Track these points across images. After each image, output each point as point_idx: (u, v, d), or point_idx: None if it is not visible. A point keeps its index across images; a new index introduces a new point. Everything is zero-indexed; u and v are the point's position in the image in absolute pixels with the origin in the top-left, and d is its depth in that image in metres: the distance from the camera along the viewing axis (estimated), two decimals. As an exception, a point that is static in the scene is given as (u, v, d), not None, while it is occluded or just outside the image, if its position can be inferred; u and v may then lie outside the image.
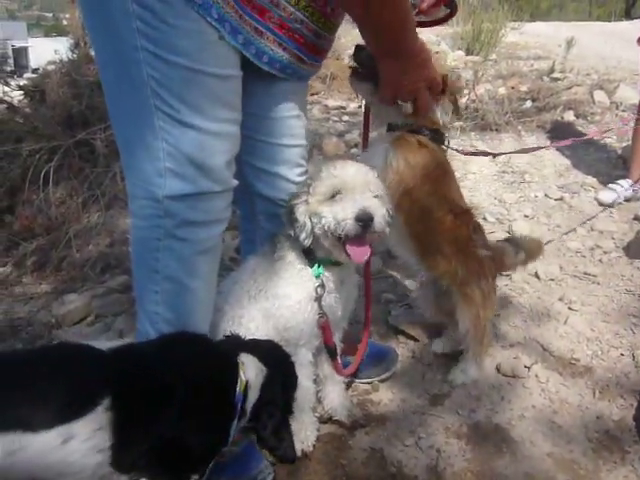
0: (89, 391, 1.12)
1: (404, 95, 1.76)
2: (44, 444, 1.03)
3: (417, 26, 1.71)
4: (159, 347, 1.41)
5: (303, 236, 1.65)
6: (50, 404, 1.06)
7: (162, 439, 1.22)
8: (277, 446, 1.50)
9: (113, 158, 3.79)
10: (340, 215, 1.57)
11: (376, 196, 1.62)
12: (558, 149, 5.02)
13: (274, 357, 1.58)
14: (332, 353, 1.87)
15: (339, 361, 1.91)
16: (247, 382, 1.42)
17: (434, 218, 1.80)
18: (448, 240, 1.96)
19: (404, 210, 1.91)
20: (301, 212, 1.65)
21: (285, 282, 1.73)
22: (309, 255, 1.73)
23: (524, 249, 2.20)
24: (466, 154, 2.35)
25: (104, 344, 1.28)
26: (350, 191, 1.59)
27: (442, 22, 1.97)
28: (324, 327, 1.77)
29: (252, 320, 1.75)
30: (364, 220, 1.55)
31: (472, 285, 2.01)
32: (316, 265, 1.72)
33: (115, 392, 1.14)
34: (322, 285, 1.71)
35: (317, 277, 1.72)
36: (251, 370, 1.45)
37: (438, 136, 1.95)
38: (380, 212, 1.59)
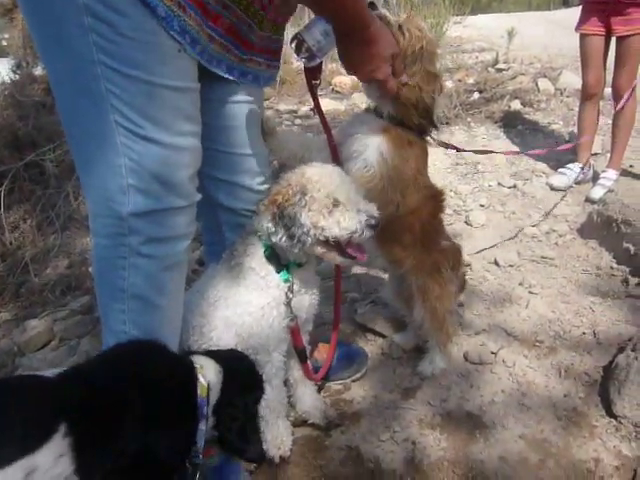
0: (43, 420, 1.10)
1: (360, 76, 1.70)
2: None
3: None
4: (108, 361, 1.37)
5: (309, 241, 1.62)
6: (6, 440, 1.03)
7: (126, 454, 1.20)
8: (243, 448, 1.48)
9: (65, 178, 3.74)
10: (353, 225, 1.61)
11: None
12: (508, 137, 5.15)
13: (231, 359, 1.57)
14: (302, 356, 1.87)
15: (309, 365, 1.91)
16: (209, 384, 1.40)
17: (407, 205, 1.79)
18: (411, 229, 1.94)
19: (381, 200, 1.80)
20: (305, 218, 1.61)
21: (246, 289, 1.71)
22: (273, 260, 1.73)
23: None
24: (442, 146, 2.31)
25: (50, 371, 1.24)
26: (350, 199, 1.63)
27: None
28: (294, 330, 1.78)
29: (214, 329, 1.72)
30: (376, 225, 1.63)
31: (429, 277, 2.02)
32: (284, 270, 1.73)
33: (70, 416, 1.11)
34: (291, 289, 1.72)
35: (286, 281, 1.72)
36: (210, 372, 1.44)
37: (423, 128, 1.88)
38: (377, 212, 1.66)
